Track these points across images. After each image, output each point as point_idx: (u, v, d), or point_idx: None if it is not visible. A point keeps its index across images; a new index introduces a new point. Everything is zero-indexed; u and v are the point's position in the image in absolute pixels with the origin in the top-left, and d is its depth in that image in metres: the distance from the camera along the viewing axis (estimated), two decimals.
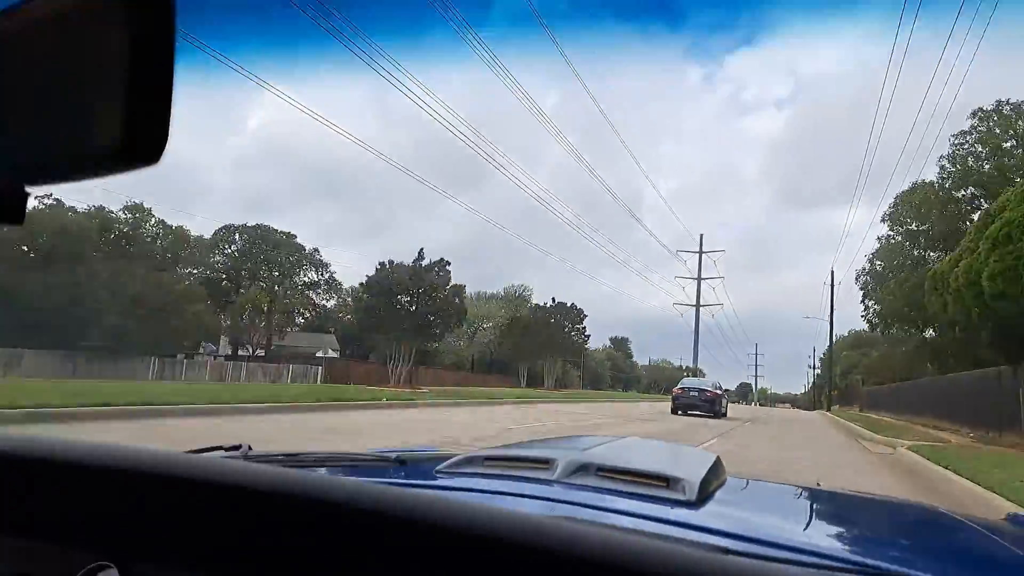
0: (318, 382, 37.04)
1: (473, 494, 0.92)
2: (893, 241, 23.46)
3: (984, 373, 15.55)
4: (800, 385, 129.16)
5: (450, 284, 19.39)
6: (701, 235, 72.93)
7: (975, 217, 21.21)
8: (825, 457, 10.64)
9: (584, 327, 41.55)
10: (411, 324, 18.42)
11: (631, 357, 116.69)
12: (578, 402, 26.33)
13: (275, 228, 49.48)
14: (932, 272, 14.09)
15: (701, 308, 63.14)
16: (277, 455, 1.11)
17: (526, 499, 0.89)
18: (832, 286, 47.38)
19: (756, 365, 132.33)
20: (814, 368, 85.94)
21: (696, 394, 21.45)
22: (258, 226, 50.51)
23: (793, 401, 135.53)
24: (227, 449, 1.05)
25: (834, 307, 47.61)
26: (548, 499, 0.88)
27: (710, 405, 21.15)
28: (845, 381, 60.75)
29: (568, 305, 41.37)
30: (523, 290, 48.25)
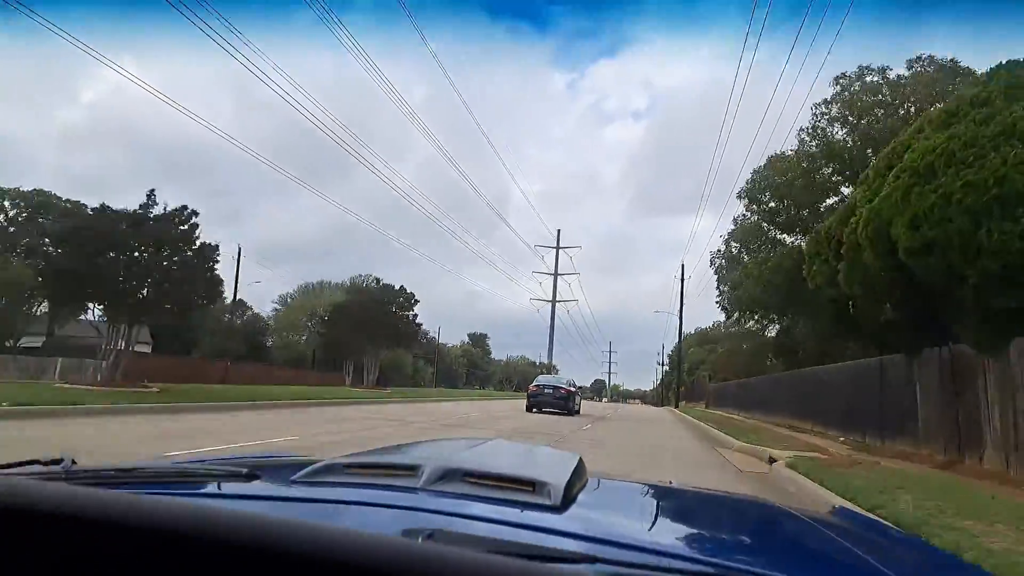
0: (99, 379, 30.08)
1: (329, 505, 0.89)
2: (749, 220, 20.96)
3: (865, 364, 12.68)
4: (650, 381, 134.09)
5: (198, 241, 13.55)
6: (559, 230, 71.74)
7: (843, 193, 19.13)
8: (690, 480, 6.70)
9: (415, 313, 36.47)
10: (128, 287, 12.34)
11: (489, 354, 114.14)
12: (385, 402, 21.41)
13: (59, 196, 39.74)
14: (823, 230, 10.76)
15: (557, 304, 61.24)
16: (107, 470, 0.99)
17: (388, 509, 0.86)
18: (682, 280, 46.95)
19: (610, 363, 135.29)
20: (662, 364, 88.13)
21: (551, 391, 21.28)
22: (37, 191, 40.36)
23: (642, 397, 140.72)
24: (45, 464, 0.94)
25: (683, 302, 47.14)
26: (411, 508, 0.85)
27: (564, 402, 21.03)
28: (692, 377, 61.22)
29: (396, 288, 36.07)
30: (369, 279, 42.60)
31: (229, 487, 1.01)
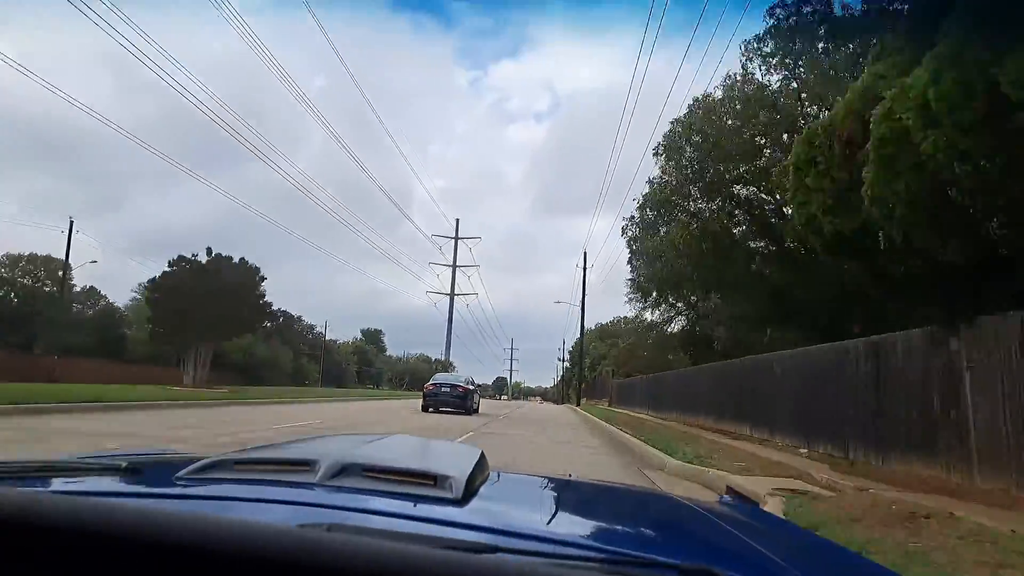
0: None
1: (218, 503, 0.84)
2: (666, 181, 17.19)
3: (845, 348, 8.92)
4: (550, 379, 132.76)
5: None
6: (457, 219, 67.55)
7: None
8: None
9: (263, 292, 30.24)
10: None
11: (384, 351, 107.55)
12: (206, 404, 15.95)
13: None
14: (819, 127, 6.78)
15: (457, 297, 56.61)
16: None
17: (283, 505, 0.81)
18: (584, 268, 43.94)
19: (511, 360, 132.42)
20: (563, 360, 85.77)
21: (448, 390, 20.59)
22: None
23: (543, 394, 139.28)
24: None
25: (586, 291, 44.21)
26: (308, 504, 0.81)
27: (462, 401, 20.50)
28: (594, 373, 58.54)
29: (236, 261, 29.69)
30: (227, 262, 35.63)
31: (106, 483, 0.95)
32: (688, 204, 15.71)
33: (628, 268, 19.26)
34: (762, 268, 15.85)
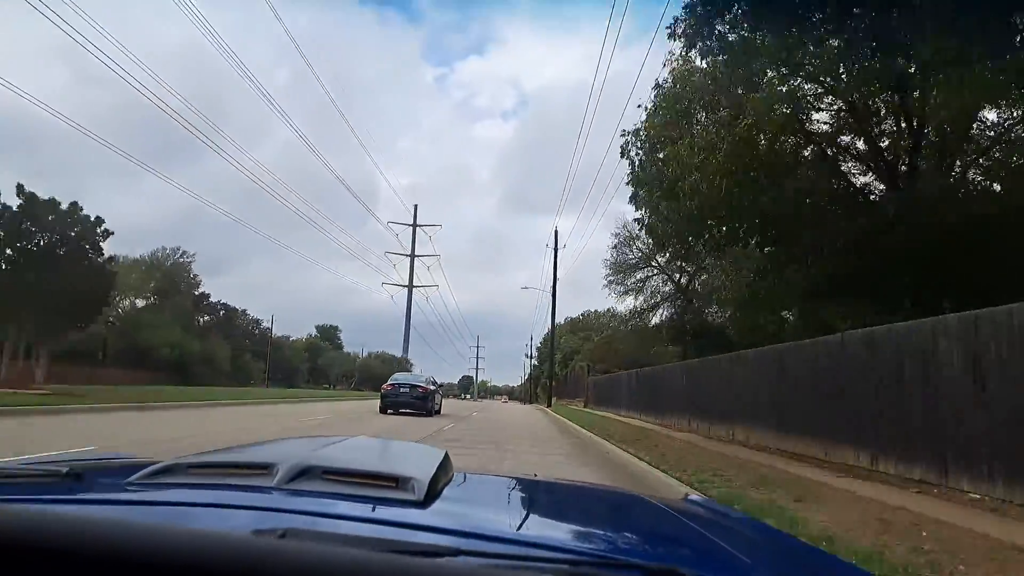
0: None
1: (170, 508, 0.81)
2: (697, 68, 11.47)
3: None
4: (518, 377, 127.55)
5: None
6: (415, 205, 61.71)
7: None
8: None
9: (101, 250, 23.50)
10: None
11: (340, 348, 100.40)
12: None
13: None
14: None
15: (416, 289, 50.71)
16: None
17: (239, 510, 0.79)
18: (555, 249, 38.86)
19: (477, 357, 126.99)
20: (531, 357, 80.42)
21: (407, 390, 19.17)
22: None
23: (510, 393, 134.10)
24: None
25: (557, 276, 39.05)
26: (266, 508, 0.79)
27: (422, 402, 19.09)
28: (566, 370, 53.21)
29: (65, 207, 22.47)
30: (50, 208, 26.85)
31: (49, 491, 0.87)
32: (735, 91, 10.15)
33: (630, 203, 13.37)
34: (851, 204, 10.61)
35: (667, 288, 31.20)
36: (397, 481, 0.91)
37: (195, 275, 64.52)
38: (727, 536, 1.09)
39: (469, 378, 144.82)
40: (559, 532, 1.07)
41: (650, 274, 31.42)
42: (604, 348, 41.81)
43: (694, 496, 2.04)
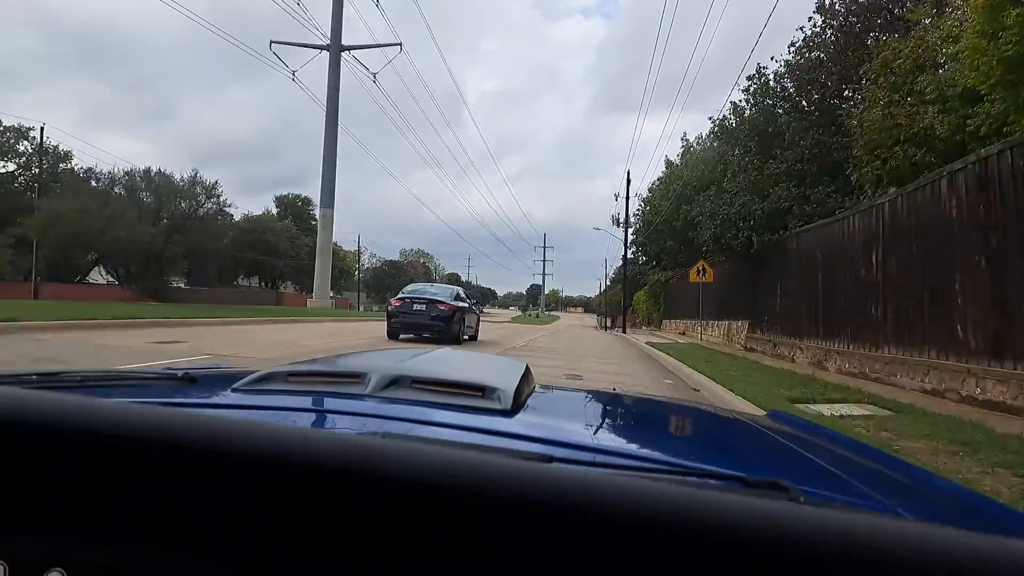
0: None
1: (275, 412, 0.85)
2: None
3: None
4: (593, 289, 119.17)
5: None
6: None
7: None
8: None
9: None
10: None
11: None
12: None
13: None
14: None
15: (369, 51, 38.56)
16: (28, 374, 0.91)
17: (337, 415, 0.85)
18: (628, 187, 33.53)
19: (544, 261, 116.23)
20: (606, 279, 72.74)
21: (423, 308, 13.44)
22: None
23: (586, 305, 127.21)
24: None
25: (629, 215, 34.40)
26: (361, 414, 0.83)
27: (444, 325, 13.30)
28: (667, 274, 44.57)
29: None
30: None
31: (169, 392, 0.97)
32: None
33: None
34: None
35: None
36: (484, 391, 0.93)
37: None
38: (817, 450, 1.07)
39: (538, 287, 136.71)
40: (648, 443, 1.08)
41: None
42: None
43: (779, 411, 2.01)
